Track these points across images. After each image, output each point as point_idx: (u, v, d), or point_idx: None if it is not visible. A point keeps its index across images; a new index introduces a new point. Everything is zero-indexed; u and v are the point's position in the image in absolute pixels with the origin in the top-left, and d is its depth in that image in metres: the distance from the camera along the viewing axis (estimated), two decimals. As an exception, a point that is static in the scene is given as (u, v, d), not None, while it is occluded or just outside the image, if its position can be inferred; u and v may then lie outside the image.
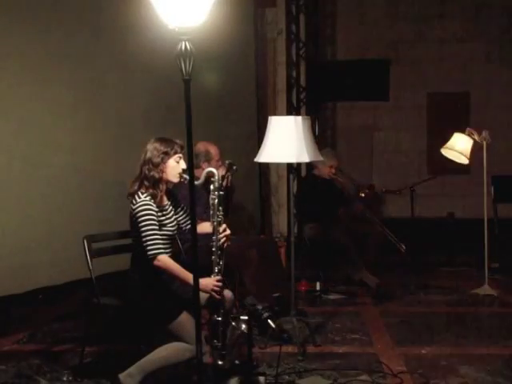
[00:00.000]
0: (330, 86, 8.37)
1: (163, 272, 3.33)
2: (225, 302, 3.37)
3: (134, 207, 3.35)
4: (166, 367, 3.34)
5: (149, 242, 3.30)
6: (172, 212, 3.54)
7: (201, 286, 3.20)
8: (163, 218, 3.44)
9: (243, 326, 3.13)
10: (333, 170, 6.06)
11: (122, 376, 3.25)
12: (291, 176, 4.54)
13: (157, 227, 3.34)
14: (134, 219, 3.37)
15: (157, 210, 3.38)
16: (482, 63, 8.64)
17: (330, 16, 8.79)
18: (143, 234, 3.31)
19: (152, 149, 3.41)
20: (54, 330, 4.66)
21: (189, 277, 3.18)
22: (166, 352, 3.31)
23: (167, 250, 3.42)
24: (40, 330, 4.65)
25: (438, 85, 8.71)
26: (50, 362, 3.97)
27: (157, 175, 3.38)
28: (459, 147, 5.75)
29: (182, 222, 3.60)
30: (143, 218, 3.31)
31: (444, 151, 5.88)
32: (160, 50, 4.03)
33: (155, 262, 3.30)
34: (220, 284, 3.30)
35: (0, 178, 4.73)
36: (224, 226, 3.42)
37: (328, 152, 5.99)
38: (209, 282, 3.28)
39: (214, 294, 3.28)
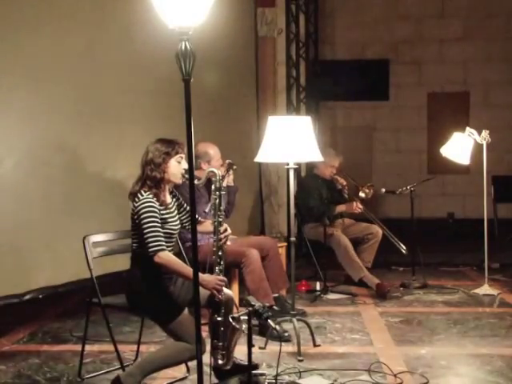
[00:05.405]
0: (329, 85, 8.39)
1: (164, 270, 3.32)
2: (226, 302, 3.37)
3: (136, 205, 3.35)
4: (166, 367, 3.34)
5: (150, 239, 3.29)
6: (176, 211, 3.55)
7: (203, 282, 3.20)
8: (167, 215, 3.43)
9: (243, 326, 3.13)
10: (334, 171, 6.05)
11: (122, 375, 3.25)
12: (291, 176, 4.53)
13: (159, 224, 3.33)
14: (135, 217, 3.36)
15: (160, 207, 3.38)
16: (481, 63, 8.65)
17: (329, 16, 8.80)
18: (145, 231, 3.30)
19: (153, 149, 3.41)
20: (54, 330, 4.66)
21: (191, 272, 3.17)
22: (166, 352, 3.31)
23: (169, 248, 3.41)
24: (40, 330, 4.65)
25: (437, 85, 8.72)
26: (50, 362, 3.97)
27: (159, 175, 3.38)
28: (459, 147, 5.74)
29: (184, 221, 3.60)
30: (145, 215, 3.31)
31: (444, 151, 5.88)
32: (160, 49, 4.04)
33: (156, 259, 3.28)
34: (222, 283, 3.30)
35: (0, 177, 4.73)
36: (225, 225, 3.42)
37: (330, 152, 5.98)
38: (212, 279, 3.27)
39: (215, 292, 3.27)
